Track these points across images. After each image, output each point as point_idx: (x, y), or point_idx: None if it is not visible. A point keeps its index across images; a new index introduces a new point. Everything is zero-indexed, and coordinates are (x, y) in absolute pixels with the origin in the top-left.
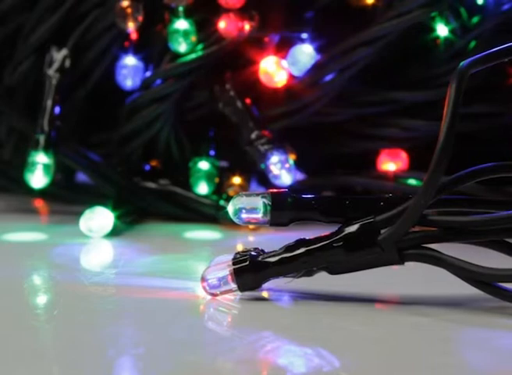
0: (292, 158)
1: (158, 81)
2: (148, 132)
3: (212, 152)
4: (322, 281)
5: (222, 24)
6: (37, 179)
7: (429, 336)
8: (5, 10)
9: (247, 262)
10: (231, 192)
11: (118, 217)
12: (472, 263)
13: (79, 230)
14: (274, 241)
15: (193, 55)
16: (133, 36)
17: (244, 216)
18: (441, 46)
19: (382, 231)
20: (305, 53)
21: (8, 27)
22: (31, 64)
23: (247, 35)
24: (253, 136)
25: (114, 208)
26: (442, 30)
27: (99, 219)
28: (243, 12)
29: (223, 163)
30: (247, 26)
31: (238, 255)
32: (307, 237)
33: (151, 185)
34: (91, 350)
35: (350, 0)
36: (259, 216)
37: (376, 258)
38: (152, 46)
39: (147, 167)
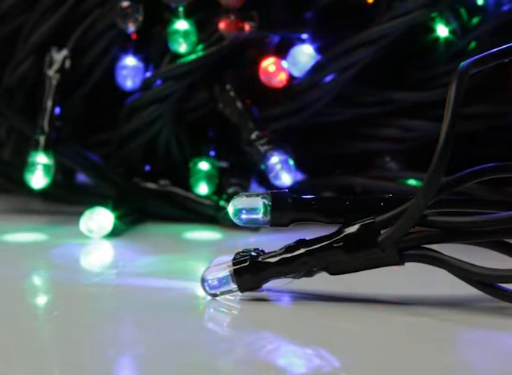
0: (291, 158)
1: (158, 82)
2: (148, 132)
3: (212, 153)
4: (322, 281)
5: (222, 24)
6: (37, 179)
7: (429, 336)
8: (5, 10)
9: (247, 263)
10: (231, 193)
11: (118, 218)
12: (472, 264)
13: (79, 230)
14: (274, 241)
15: (193, 56)
16: (133, 36)
17: (244, 216)
18: (441, 46)
19: (382, 232)
20: (305, 53)
21: (8, 27)
22: (31, 64)
23: (247, 35)
24: (253, 136)
25: (114, 209)
26: (442, 30)
27: (99, 219)
28: (243, 13)
29: (223, 164)
30: (247, 27)
31: (238, 256)
32: (308, 238)
33: (151, 186)
34: (91, 350)
35: (350, 0)
36: (259, 216)
37: (376, 258)
38: (152, 46)
39: (147, 168)
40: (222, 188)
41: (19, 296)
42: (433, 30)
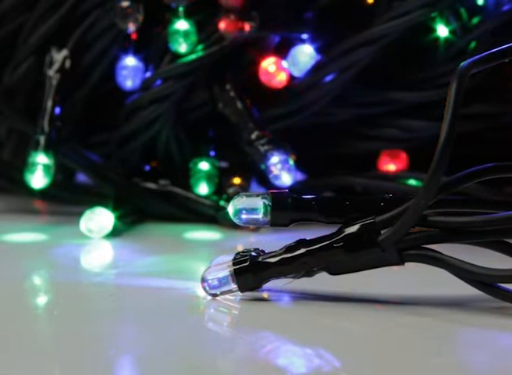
0: (292, 158)
1: (158, 82)
2: (148, 132)
3: (212, 153)
4: (322, 281)
5: (222, 24)
6: (37, 179)
7: (429, 336)
8: (5, 10)
9: (248, 263)
10: (231, 193)
11: (118, 218)
12: (472, 264)
13: (79, 230)
14: (274, 241)
15: (193, 56)
16: (133, 36)
17: (244, 216)
18: (441, 47)
19: (383, 232)
20: (305, 53)
21: (8, 27)
22: (31, 64)
23: (247, 35)
24: (253, 136)
25: (114, 209)
26: (442, 30)
27: (99, 219)
28: (243, 13)
29: (223, 164)
30: (247, 27)
31: (238, 256)
32: (308, 238)
33: (151, 186)
34: (91, 350)
35: (350, 0)
36: (259, 216)
37: (376, 258)
38: (152, 47)
39: (147, 168)
40: (222, 188)
41: (19, 296)
42: (433, 30)
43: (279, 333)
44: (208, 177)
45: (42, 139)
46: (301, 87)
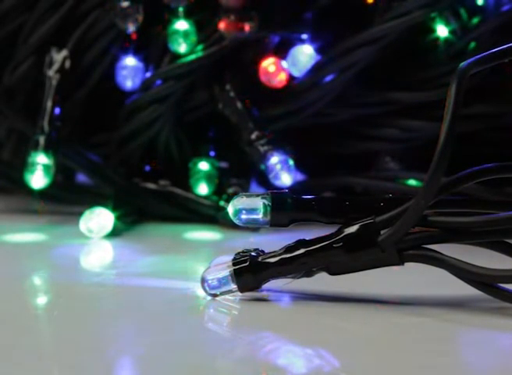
0: (291, 158)
1: (158, 82)
2: (148, 133)
3: (212, 153)
4: (322, 282)
5: (221, 24)
6: (37, 179)
7: (429, 336)
8: (5, 10)
9: (247, 263)
10: (231, 193)
11: (118, 218)
12: (472, 264)
13: (79, 230)
14: (274, 241)
15: (193, 56)
16: (133, 36)
17: (244, 216)
18: (441, 47)
19: (382, 232)
20: (305, 54)
21: (8, 27)
22: (31, 64)
23: (246, 35)
24: (253, 136)
25: (114, 209)
26: (442, 30)
27: (99, 219)
28: (243, 13)
29: (223, 164)
30: (246, 27)
31: (238, 256)
32: (307, 238)
33: (151, 186)
34: (91, 350)
35: (350, 0)
36: (259, 216)
37: (376, 258)
38: (152, 47)
39: (147, 168)
40: (222, 188)
41: (19, 296)
42: (433, 30)
43: (279, 333)
44: (208, 177)
45: (42, 139)
46: (301, 88)
